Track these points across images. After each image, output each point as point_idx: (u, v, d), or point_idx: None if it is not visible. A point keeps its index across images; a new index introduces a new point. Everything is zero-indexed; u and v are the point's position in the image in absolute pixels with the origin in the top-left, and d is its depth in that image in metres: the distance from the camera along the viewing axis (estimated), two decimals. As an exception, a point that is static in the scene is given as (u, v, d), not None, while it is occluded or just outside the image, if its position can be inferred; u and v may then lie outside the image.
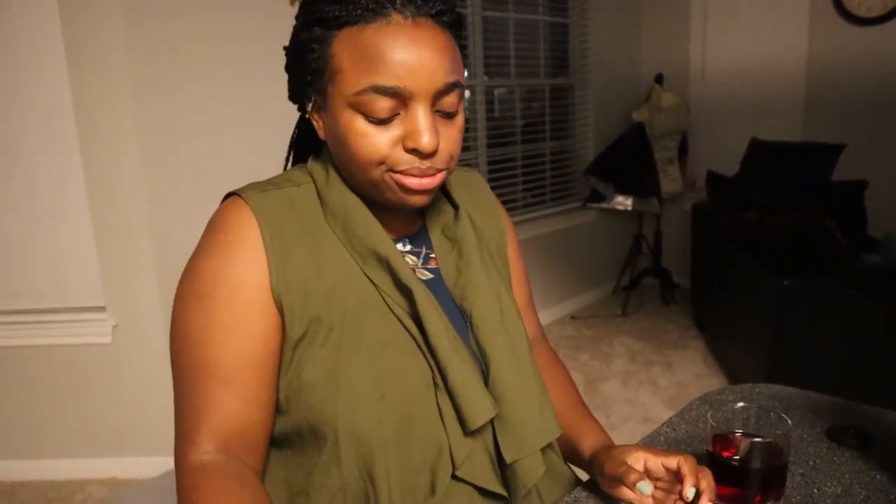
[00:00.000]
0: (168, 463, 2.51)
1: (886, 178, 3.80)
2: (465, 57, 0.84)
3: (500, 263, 0.98)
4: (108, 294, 2.51)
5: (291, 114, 0.92)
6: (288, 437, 0.82)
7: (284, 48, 0.84)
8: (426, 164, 0.77)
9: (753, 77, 4.35)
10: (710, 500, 0.75)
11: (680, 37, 4.62)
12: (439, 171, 0.79)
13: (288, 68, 0.84)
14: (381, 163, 0.77)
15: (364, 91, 0.74)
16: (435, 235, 0.92)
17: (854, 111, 3.99)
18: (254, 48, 2.55)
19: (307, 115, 0.85)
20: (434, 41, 0.75)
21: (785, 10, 4.15)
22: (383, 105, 0.74)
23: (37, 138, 2.44)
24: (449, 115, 0.79)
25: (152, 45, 2.35)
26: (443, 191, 0.95)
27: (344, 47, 0.75)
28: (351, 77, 0.75)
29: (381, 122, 0.75)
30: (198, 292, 0.79)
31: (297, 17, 0.81)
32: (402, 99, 0.74)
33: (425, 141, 0.74)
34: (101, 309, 2.52)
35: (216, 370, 0.77)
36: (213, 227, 0.82)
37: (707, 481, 0.77)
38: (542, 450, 0.87)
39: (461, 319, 0.87)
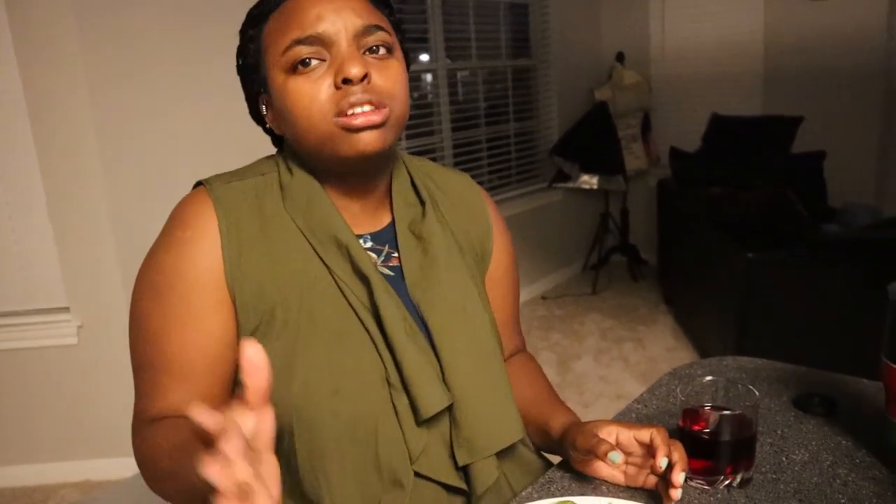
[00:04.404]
0: (141, 462, 2.48)
1: (843, 149, 3.88)
2: (426, 41, 0.84)
3: (471, 263, 0.95)
4: (71, 294, 2.46)
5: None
6: None
7: (238, 72, 0.88)
8: (360, 89, 0.76)
9: (713, 53, 4.40)
10: (683, 470, 0.76)
11: (639, 15, 4.64)
12: (382, 104, 0.77)
13: (243, 88, 0.88)
14: (322, 111, 0.77)
15: (287, 49, 0.77)
16: (401, 231, 0.89)
17: (811, 84, 4.06)
18: (213, 37, 2.50)
19: (268, 125, 0.87)
20: None
21: (741, -15, 4.20)
22: (306, 53, 0.77)
23: (-12, 137, 2.37)
24: (380, 56, 0.80)
25: (106, 34, 2.29)
26: (413, 187, 0.93)
27: (270, 28, 0.80)
28: (277, 43, 0.79)
29: (310, 71, 0.77)
30: (156, 287, 0.80)
31: (239, 40, 0.86)
32: (323, 45, 0.77)
33: (351, 68, 0.75)
34: (65, 310, 2.47)
35: (170, 365, 0.80)
36: (174, 221, 0.82)
37: (679, 453, 0.77)
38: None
39: (419, 320, 0.85)
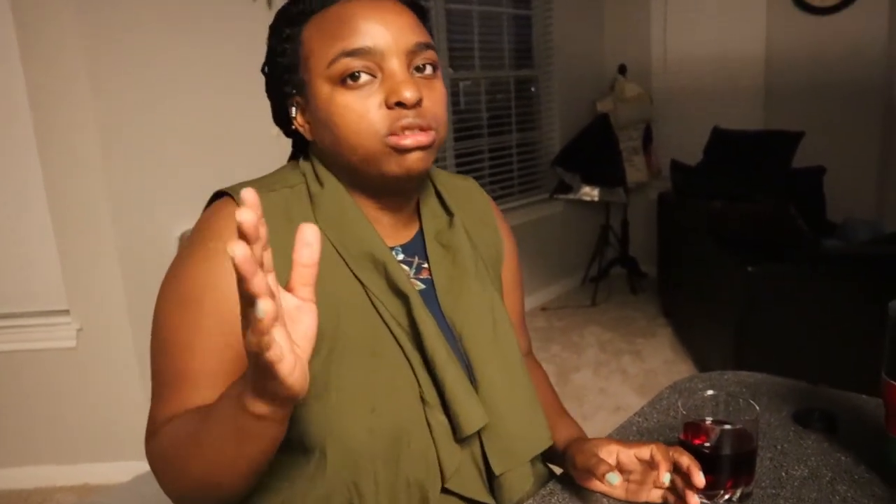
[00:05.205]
0: (140, 467, 2.47)
1: (843, 164, 3.89)
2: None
3: (493, 274, 0.97)
4: (71, 297, 2.46)
5: (258, 109, 0.91)
6: None
7: (262, 71, 0.86)
8: (412, 113, 0.76)
9: (714, 67, 4.41)
10: (699, 469, 0.77)
11: (642, 28, 4.66)
12: (430, 128, 0.78)
13: (268, 89, 0.86)
14: (372, 131, 0.76)
15: (336, 59, 0.76)
16: (429, 241, 0.90)
17: (811, 99, 4.07)
18: (219, 40, 2.51)
19: (294, 127, 0.85)
20: (394, 7, 0.78)
21: (743, 0, 4.22)
22: (357, 67, 0.76)
23: (-8, 140, 2.38)
24: (427, 75, 0.79)
25: (110, 39, 2.30)
26: (438, 197, 0.94)
27: (311, 32, 0.78)
28: (322, 53, 0.77)
29: (360, 86, 0.76)
30: (184, 298, 0.78)
31: (268, 37, 0.84)
32: (374, 60, 0.76)
33: (406, 90, 0.75)
34: (65, 312, 2.47)
35: (196, 375, 0.77)
36: (203, 232, 0.80)
37: (687, 457, 0.78)
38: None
39: (449, 332, 0.86)
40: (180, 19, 2.44)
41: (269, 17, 2.78)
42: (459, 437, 0.81)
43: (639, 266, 4.71)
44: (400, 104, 0.75)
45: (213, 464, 0.67)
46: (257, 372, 0.55)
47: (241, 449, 0.65)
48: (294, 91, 0.82)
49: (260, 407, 0.60)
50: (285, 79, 0.82)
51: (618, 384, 3.23)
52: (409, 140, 0.76)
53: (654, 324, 4.01)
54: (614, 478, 0.77)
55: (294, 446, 0.79)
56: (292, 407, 0.63)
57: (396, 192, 0.85)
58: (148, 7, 2.36)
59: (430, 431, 0.81)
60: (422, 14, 0.84)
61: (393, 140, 0.76)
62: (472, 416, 0.80)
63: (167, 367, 0.78)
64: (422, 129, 0.77)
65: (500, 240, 1.01)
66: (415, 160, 0.78)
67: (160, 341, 0.79)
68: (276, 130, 0.89)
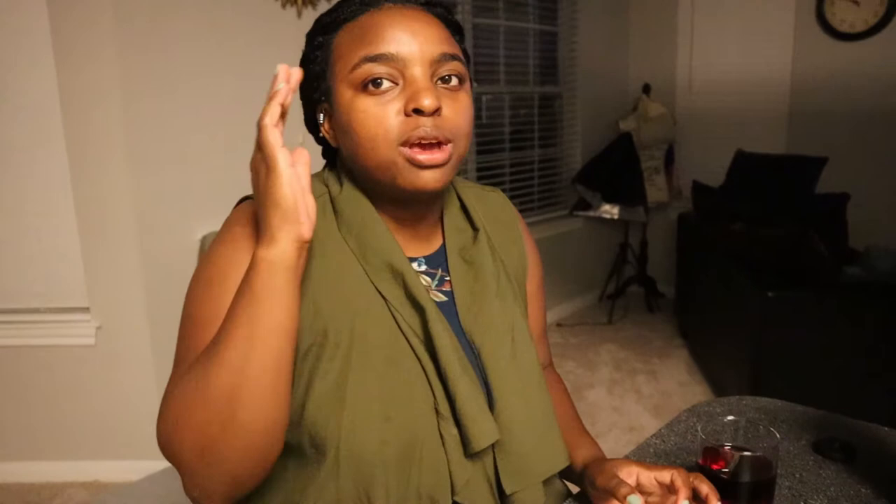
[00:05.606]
0: (152, 466, 2.49)
1: (867, 191, 3.85)
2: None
3: (516, 288, 0.96)
4: (92, 295, 2.49)
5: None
6: (287, 448, 0.80)
7: None
8: (430, 122, 0.76)
9: (739, 90, 4.40)
10: (718, 500, 0.76)
11: (667, 48, 4.66)
12: (448, 141, 0.78)
13: (301, 95, 0.87)
14: (388, 137, 0.76)
15: (359, 64, 0.77)
16: (452, 256, 0.90)
17: (837, 125, 4.04)
18: (245, 47, 2.54)
19: (321, 134, 0.86)
20: (424, 17, 0.79)
21: (770, 24, 4.20)
22: (379, 72, 0.76)
23: (23, 138, 2.41)
24: (451, 86, 0.79)
25: (142, 43, 2.33)
26: (464, 211, 0.94)
27: (342, 39, 0.80)
28: (347, 58, 0.78)
29: (381, 92, 0.76)
30: (210, 278, 0.79)
31: (305, 45, 0.86)
32: (397, 67, 0.76)
33: (424, 98, 0.75)
34: (85, 310, 2.50)
35: None
36: (231, 223, 0.82)
37: (706, 486, 0.78)
38: None
39: (468, 348, 0.86)
40: (210, 26, 2.47)
41: (298, 25, 2.77)
42: (469, 453, 0.80)
43: (656, 286, 4.68)
44: (417, 111, 0.75)
45: (227, 362, 0.66)
46: (263, 192, 0.66)
47: (252, 325, 0.66)
48: (322, 98, 0.84)
49: (268, 249, 0.66)
50: (315, 85, 0.84)
51: (632, 403, 3.21)
52: (422, 156, 0.76)
53: (670, 344, 3.99)
54: (636, 500, 0.77)
55: (307, 452, 0.80)
56: (300, 254, 0.68)
57: (413, 204, 0.85)
58: (179, 13, 2.40)
59: (443, 443, 0.80)
60: (455, 29, 0.85)
61: (407, 152, 0.76)
62: (482, 431, 0.80)
63: (189, 340, 0.77)
64: (439, 142, 0.77)
65: (525, 256, 1.01)
66: (429, 178, 0.78)
67: (185, 318, 0.80)
68: (301, 138, 0.90)
